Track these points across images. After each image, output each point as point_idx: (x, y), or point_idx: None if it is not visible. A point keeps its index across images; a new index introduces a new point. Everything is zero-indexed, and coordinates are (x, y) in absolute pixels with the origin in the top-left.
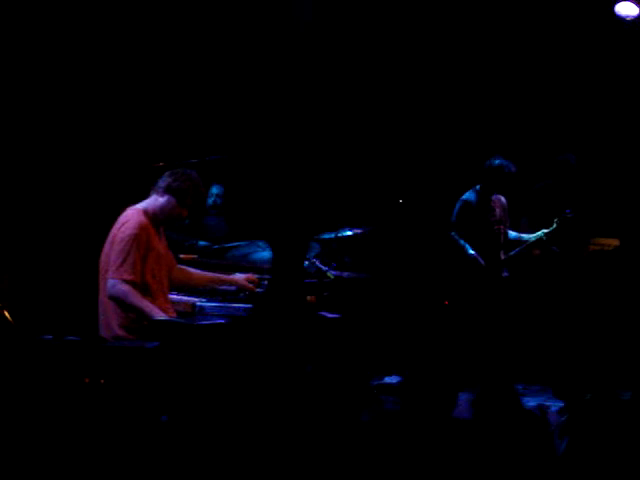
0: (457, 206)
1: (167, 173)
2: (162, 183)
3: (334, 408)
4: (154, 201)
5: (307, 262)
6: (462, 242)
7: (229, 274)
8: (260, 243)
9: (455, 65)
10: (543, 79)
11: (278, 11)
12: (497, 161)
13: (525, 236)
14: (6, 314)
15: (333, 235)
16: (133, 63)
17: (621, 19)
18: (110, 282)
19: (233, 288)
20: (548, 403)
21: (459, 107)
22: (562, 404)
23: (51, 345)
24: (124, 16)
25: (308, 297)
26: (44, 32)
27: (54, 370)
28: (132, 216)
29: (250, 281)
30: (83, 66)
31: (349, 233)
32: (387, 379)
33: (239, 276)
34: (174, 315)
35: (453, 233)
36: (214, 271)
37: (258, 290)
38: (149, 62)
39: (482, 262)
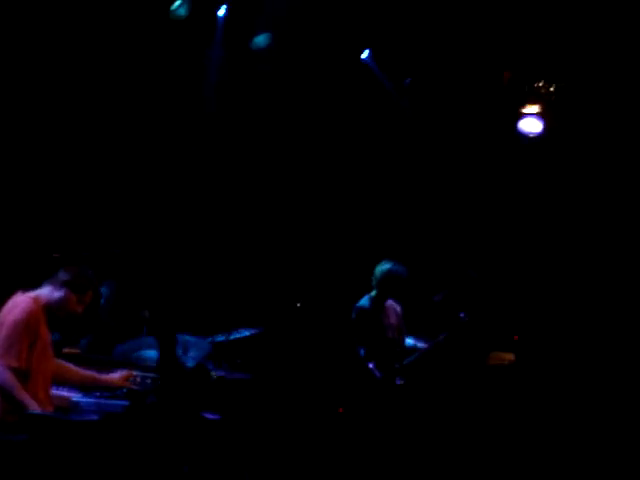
0: (353, 313)
1: (66, 268)
2: (61, 277)
3: None
4: (50, 292)
5: (193, 362)
6: (361, 352)
7: (110, 371)
8: (147, 340)
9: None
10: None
11: None
12: (387, 265)
13: (420, 344)
14: None
15: (224, 337)
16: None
17: (524, 135)
18: None
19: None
20: None
21: (354, 214)
22: None
23: None
24: None
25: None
26: None
27: None
28: (24, 302)
29: (127, 379)
30: None
31: (242, 335)
32: None
33: (115, 375)
34: (51, 408)
35: (355, 341)
36: (98, 366)
37: (136, 387)
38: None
39: (378, 375)
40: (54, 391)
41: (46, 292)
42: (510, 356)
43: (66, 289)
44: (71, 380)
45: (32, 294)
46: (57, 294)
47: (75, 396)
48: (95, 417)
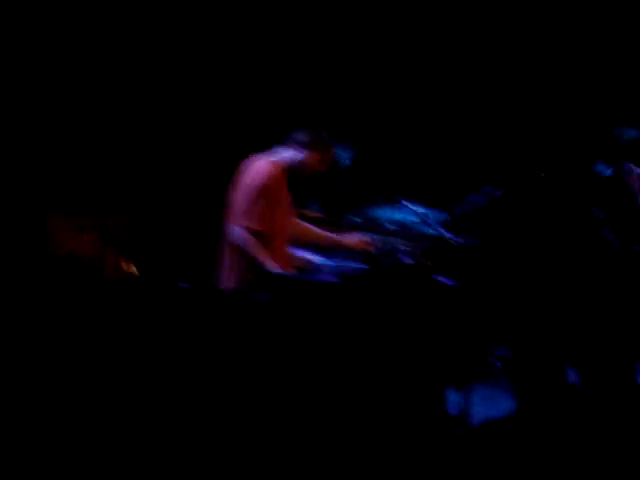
0: (593, 181)
1: (300, 130)
2: (299, 138)
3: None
4: (292, 155)
5: (431, 228)
6: (600, 217)
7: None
8: (384, 205)
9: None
10: None
11: None
12: (629, 130)
13: None
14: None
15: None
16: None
17: None
18: (235, 229)
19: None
20: None
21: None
22: None
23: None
24: None
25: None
26: None
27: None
28: (264, 166)
29: (365, 242)
30: None
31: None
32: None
33: (354, 238)
34: (290, 269)
35: (595, 210)
36: (336, 229)
37: (374, 251)
38: None
39: (617, 245)
40: (295, 252)
41: (287, 154)
42: None
43: (308, 150)
44: (309, 240)
45: (270, 157)
46: (300, 155)
47: (314, 258)
48: (334, 279)
